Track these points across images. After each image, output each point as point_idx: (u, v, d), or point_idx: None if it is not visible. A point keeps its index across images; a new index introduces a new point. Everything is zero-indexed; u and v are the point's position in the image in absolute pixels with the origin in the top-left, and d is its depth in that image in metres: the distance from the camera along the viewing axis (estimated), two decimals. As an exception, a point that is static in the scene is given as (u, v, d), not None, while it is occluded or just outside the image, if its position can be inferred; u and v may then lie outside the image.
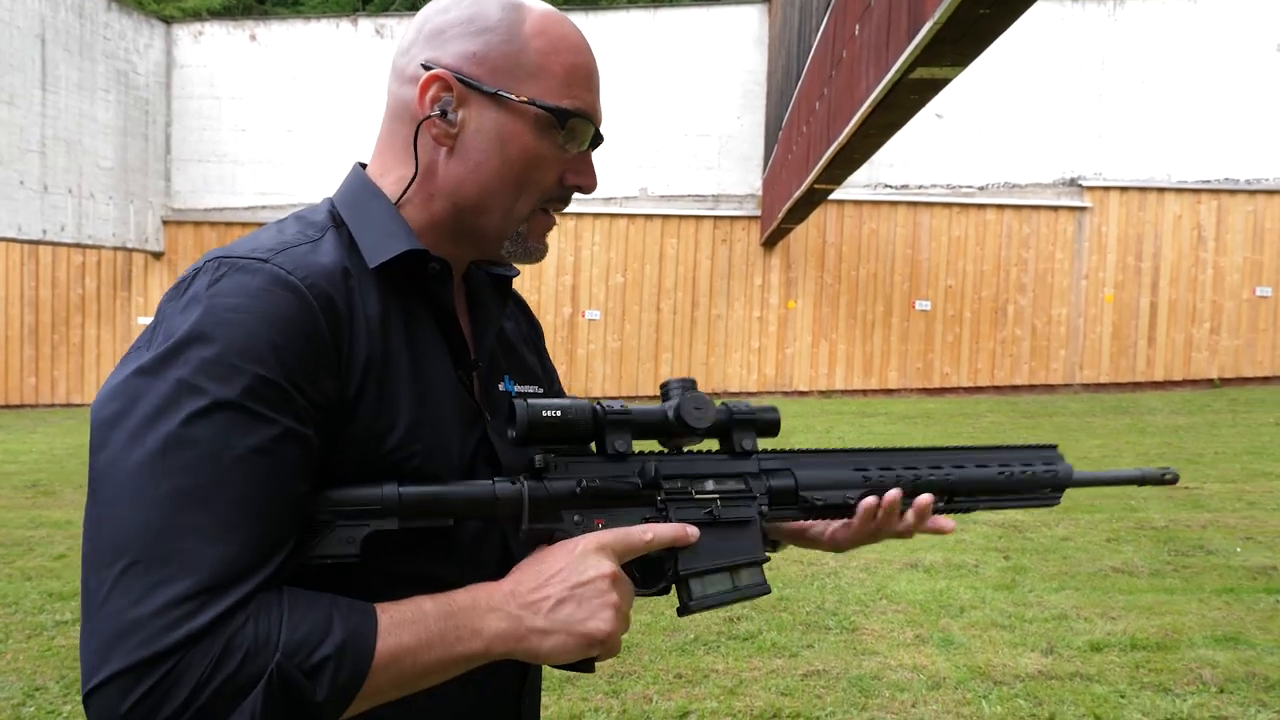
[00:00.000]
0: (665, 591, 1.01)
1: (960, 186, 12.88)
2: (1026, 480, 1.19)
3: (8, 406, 12.66)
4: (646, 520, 0.98)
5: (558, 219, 1.05)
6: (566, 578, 0.87)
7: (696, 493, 1.01)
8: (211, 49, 13.14)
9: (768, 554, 1.05)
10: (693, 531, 0.98)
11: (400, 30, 13.13)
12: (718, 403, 1.03)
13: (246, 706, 0.72)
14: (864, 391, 12.93)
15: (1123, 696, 3.44)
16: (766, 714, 3.35)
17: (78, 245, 11.39)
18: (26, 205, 10.06)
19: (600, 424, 0.96)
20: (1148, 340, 12.68)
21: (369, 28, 13.15)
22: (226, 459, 0.76)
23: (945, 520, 1.16)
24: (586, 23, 12.99)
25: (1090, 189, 12.65)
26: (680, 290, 13.01)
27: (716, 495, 1.02)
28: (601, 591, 0.88)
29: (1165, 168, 12.60)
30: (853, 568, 4.95)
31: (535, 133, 0.94)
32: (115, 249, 12.11)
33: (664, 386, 1.03)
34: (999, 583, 4.67)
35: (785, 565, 5.03)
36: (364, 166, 1.02)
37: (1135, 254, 12.67)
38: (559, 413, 0.93)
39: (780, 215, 9.85)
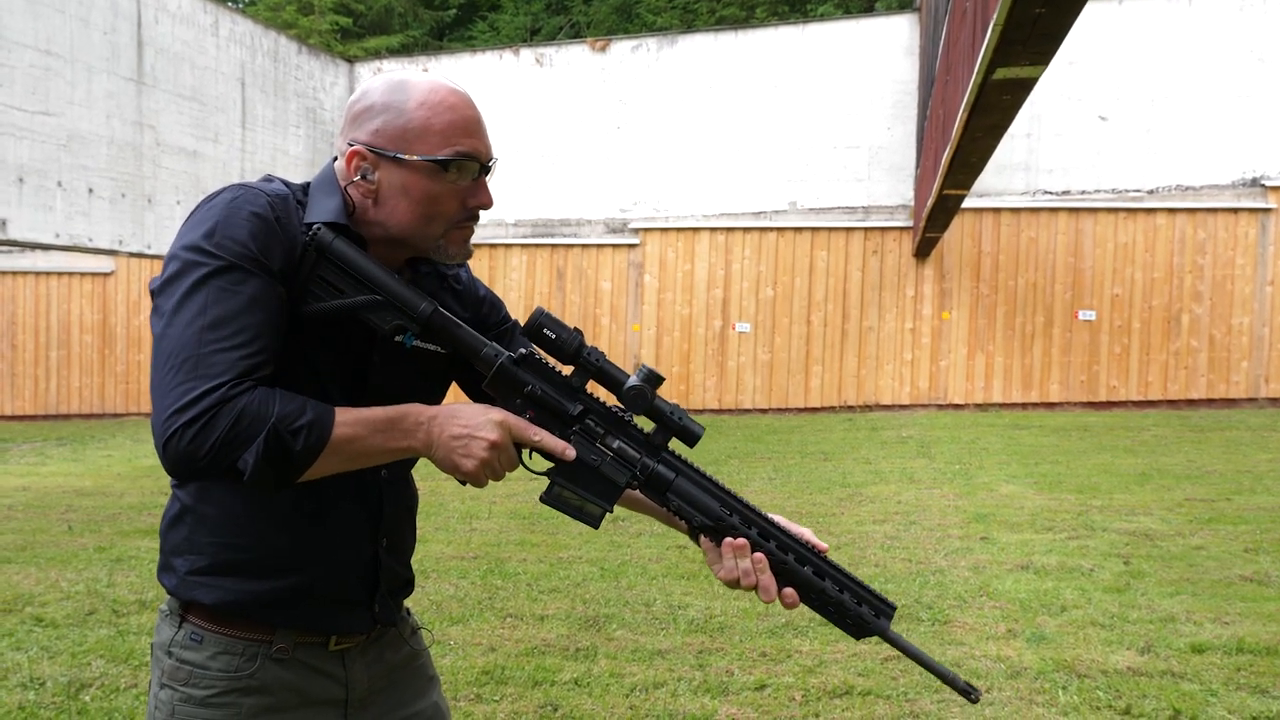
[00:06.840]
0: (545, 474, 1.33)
1: (1127, 191, 12.31)
2: (846, 609, 1.35)
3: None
4: (562, 435, 1.32)
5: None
6: (468, 426, 1.25)
7: (600, 444, 1.33)
8: (389, 84, 14.24)
9: (613, 509, 1.36)
10: (570, 453, 1.31)
11: (559, 59, 13.82)
12: (671, 401, 1.34)
13: (255, 446, 1.12)
14: (1023, 405, 12.52)
15: (1213, 695, 3.37)
16: (839, 691, 3.49)
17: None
18: (228, 231, 11.27)
19: (576, 359, 1.30)
20: (1345, 351, 11.70)
21: (530, 57, 13.91)
22: (233, 299, 1.17)
23: (772, 587, 1.34)
24: (736, 42, 13.29)
25: (1275, 189, 11.82)
26: (831, 302, 13.02)
27: (611, 455, 1.33)
28: (482, 447, 1.24)
29: (1363, 163, 11.64)
30: (961, 566, 4.97)
31: (428, 179, 1.28)
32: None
33: (639, 372, 1.32)
34: (1111, 585, 4.58)
35: (892, 563, 5.09)
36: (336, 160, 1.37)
37: (1330, 257, 11.74)
38: (555, 334, 1.29)
39: (922, 224, 9.78)
